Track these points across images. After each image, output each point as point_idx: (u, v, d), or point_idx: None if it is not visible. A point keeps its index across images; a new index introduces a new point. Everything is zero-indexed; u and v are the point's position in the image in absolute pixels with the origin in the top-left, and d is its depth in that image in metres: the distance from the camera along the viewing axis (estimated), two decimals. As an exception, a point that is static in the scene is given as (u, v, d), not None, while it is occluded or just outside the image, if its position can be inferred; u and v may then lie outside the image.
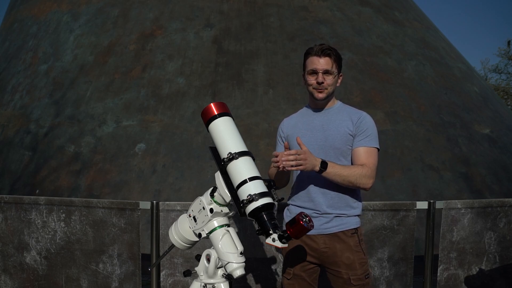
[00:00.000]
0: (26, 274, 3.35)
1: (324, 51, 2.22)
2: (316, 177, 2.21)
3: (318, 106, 2.32)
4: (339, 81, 2.32)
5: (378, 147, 2.27)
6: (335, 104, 2.35)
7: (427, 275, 3.24)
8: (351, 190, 2.25)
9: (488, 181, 6.37)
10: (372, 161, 2.21)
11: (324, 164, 2.08)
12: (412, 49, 7.70)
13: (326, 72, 2.22)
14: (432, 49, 7.98)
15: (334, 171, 2.11)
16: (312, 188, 2.24)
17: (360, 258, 2.23)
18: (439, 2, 54.29)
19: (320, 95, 2.25)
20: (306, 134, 2.28)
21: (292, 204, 2.33)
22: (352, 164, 2.25)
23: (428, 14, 9.55)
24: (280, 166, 2.04)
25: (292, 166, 2.03)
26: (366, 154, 2.21)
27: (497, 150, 6.90)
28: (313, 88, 2.25)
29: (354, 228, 2.24)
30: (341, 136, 2.23)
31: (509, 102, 21.53)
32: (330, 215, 2.21)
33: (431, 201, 3.24)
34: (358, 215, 2.28)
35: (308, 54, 2.28)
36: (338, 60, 2.26)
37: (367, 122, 2.25)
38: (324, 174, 2.10)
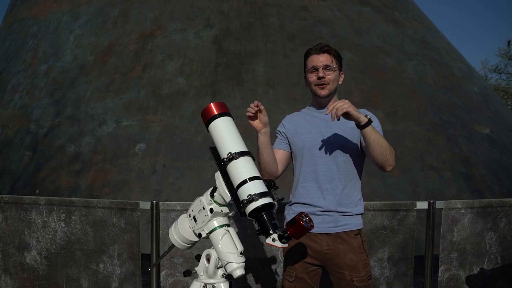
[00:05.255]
0: (26, 274, 3.35)
1: (322, 48, 2.26)
2: (322, 173, 2.22)
3: (321, 104, 2.33)
4: (341, 79, 2.33)
5: None
6: None
7: (427, 275, 3.24)
8: (355, 187, 2.26)
9: (488, 181, 6.37)
10: None
11: (369, 121, 2.06)
12: (412, 49, 7.70)
13: (326, 67, 2.23)
14: (432, 49, 7.98)
15: (375, 131, 2.09)
16: (318, 184, 2.23)
17: (363, 259, 2.23)
18: (439, 2, 54.29)
19: (323, 92, 2.25)
20: (311, 130, 2.29)
21: (295, 202, 2.30)
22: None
23: (428, 14, 9.55)
24: (332, 113, 2.00)
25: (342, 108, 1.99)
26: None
27: (497, 150, 6.89)
28: (315, 85, 2.26)
29: (357, 229, 2.24)
30: (346, 131, 2.24)
31: (509, 102, 21.52)
32: (335, 213, 2.21)
33: (431, 201, 3.24)
34: (361, 214, 2.28)
35: (307, 54, 2.31)
36: (337, 57, 2.29)
37: (374, 117, 2.26)
38: (366, 129, 2.06)
